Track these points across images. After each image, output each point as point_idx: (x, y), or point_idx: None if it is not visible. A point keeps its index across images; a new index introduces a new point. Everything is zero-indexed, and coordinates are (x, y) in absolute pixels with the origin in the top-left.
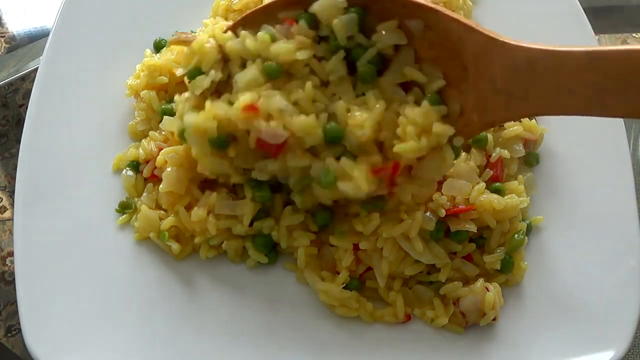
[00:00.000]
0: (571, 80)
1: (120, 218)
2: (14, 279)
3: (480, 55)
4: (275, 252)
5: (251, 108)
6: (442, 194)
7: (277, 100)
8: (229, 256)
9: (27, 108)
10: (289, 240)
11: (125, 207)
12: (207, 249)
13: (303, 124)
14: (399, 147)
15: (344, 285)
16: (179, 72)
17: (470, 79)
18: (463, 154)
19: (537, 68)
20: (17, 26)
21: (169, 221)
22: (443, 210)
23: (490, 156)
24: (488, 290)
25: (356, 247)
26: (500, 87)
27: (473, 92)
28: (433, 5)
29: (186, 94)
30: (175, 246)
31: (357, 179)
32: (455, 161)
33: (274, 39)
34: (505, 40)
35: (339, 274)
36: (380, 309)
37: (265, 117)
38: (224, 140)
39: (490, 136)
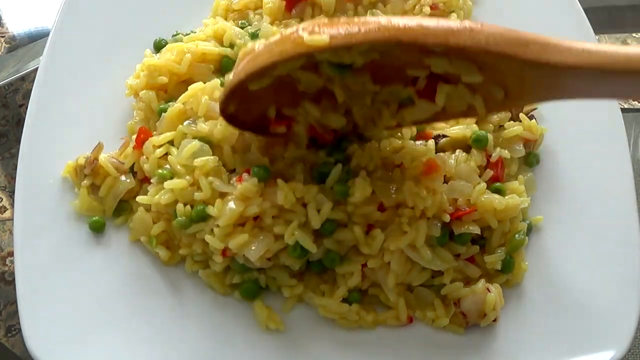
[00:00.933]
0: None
1: (117, 219)
2: (14, 279)
3: (520, 75)
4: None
5: (223, 253)
6: (444, 197)
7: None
8: (216, 290)
9: (27, 108)
10: (274, 284)
11: (121, 208)
12: (192, 263)
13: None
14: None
15: (345, 297)
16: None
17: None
18: (463, 154)
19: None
20: (17, 26)
21: (159, 226)
22: (447, 216)
23: (490, 156)
24: (489, 291)
25: (363, 265)
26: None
27: (515, 83)
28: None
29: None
30: (163, 253)
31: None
32: (455, 162)
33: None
34: (547, 60)
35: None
36: (383, 312)
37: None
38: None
39: (490, 136)
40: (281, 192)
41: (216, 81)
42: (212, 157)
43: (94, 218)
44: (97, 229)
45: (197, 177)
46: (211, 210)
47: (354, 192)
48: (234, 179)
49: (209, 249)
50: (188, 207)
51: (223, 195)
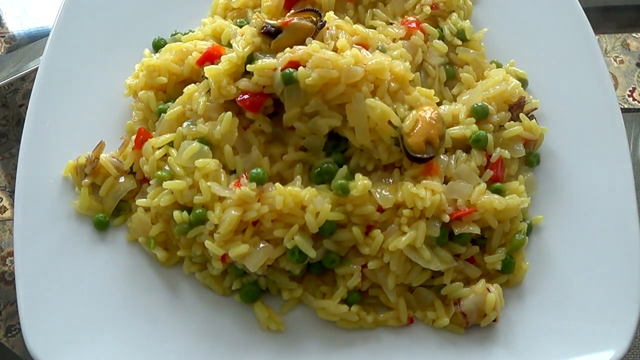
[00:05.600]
0: None
1: (116, 219)
2: (14, 279)
3: None
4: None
5: (222, 259)
6: (444, 197)
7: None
8: (215, 291)
9: (27, 108)
10: (274, 287)
11: (120, 208)
12: (190, 264)
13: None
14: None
15: (344, 298)
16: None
17: None
18: (463, 154)
19: None
20: (17, 26)
21: (157, 227)
22: (447, 216)
23: (490, 156)
24: (489, 291)
25: (363, 265)
26: None
27: None
28: None
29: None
30: (160, 255)
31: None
32: (455, 162)
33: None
34: None
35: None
36: (384, 313)
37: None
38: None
39: (490, 136)
40: (279, 196)
41: (208, 81)
42: (212, 160)
43: (98, 215)
44: (101, 227)
45: (197, 179)
46: (211, 216)
47: (354, 187)
48: (232, 183)
49: (207, 252)
50: (185, 213)
51: (222, 199)
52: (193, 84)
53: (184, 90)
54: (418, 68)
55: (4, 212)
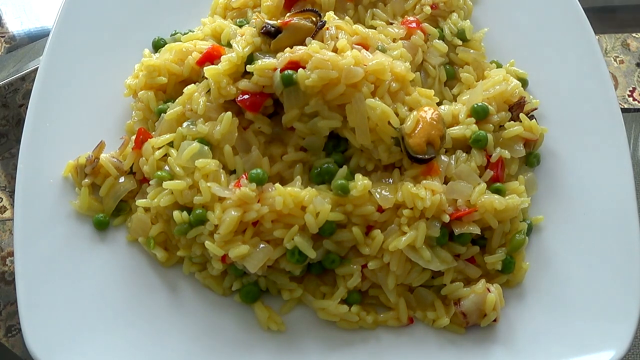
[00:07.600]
0: None
1: (116, 219)
2: (14, 279)
3: None
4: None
5: (222, 260)
6: (444, 197)
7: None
8: (215, 292)
9: (27, 108)
10: (274, 288)
11: (120, 208)
12: (190, 264)
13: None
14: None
15: (344, 298)
16: None
17: None
18: (463, 154)
19: None
20: (17, 26)
21: (157, 227)
22: (447, 216)
23: (490, 156)
24: (489, 291)
25: (363, 266)
26: None
27: None
28: None
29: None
30: (160, 255)
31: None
32: (455, 162)
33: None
34: None
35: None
36: (384, 313)
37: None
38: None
39: (490, 136)
40: (279, 196)
41: (208, 81)
42: (212, 160)
43: (98, 215)
44: (101, 227)
45: (197, 179)
46: (211, 216)
47: (354, 187)
48: (232, 183)
49: (207, 252)
50: (185, 213)
51: (222, 199)
52: (193, 84)
53: (184, 90)
54: (418, 68)
55: (4, 212)
